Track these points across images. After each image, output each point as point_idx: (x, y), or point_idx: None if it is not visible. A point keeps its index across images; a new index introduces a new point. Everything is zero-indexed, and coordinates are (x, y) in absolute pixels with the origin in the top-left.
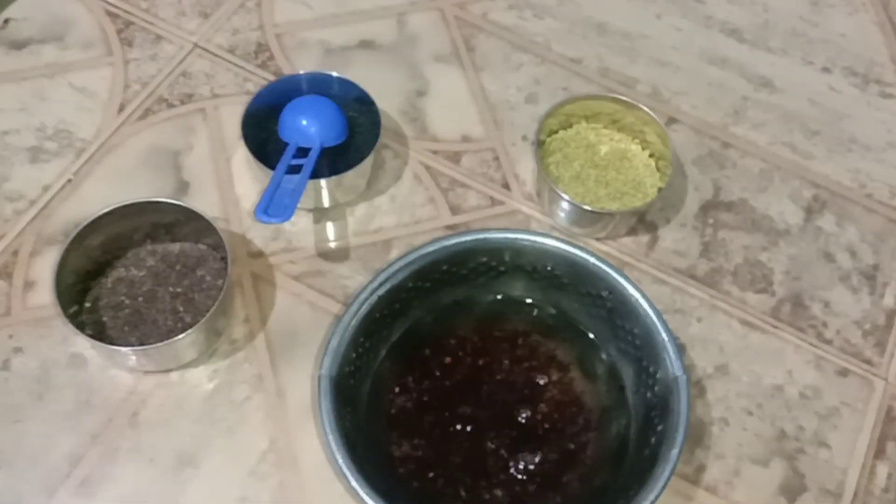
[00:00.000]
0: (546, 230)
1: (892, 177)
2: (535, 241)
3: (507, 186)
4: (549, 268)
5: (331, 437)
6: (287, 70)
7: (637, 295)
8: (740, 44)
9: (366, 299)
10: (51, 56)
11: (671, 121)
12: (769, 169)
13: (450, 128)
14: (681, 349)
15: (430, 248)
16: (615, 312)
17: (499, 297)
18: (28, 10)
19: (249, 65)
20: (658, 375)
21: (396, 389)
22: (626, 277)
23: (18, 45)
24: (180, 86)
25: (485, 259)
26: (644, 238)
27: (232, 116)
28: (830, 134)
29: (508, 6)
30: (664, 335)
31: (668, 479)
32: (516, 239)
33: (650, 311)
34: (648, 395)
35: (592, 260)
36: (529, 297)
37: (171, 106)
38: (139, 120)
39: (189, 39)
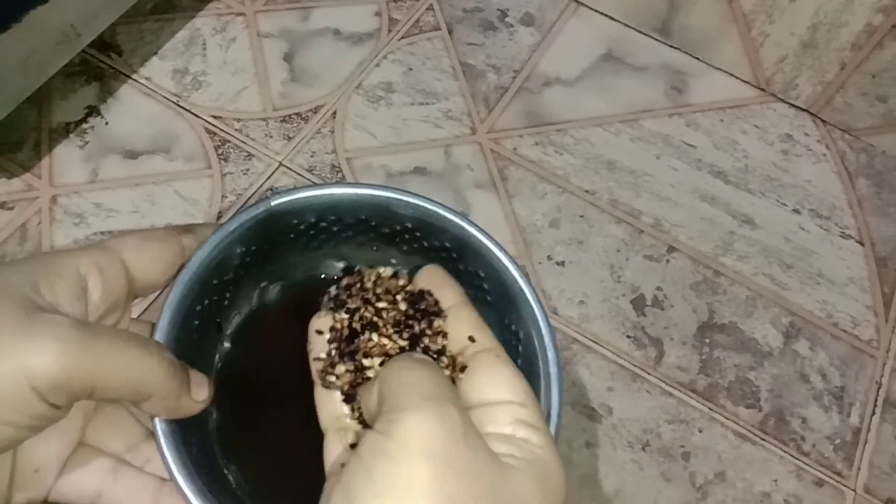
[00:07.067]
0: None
1: (853, 308)
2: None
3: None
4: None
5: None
6: None
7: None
8: (726, 184)
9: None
10: (160, 166)
11: (671, 249)
12: (753, 297)
13: None
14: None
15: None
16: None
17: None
18: (142, 125)
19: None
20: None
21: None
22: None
23: (133, 155)
24: None
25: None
26: (652, 353)
27: None
28: (802, 268)
29: (534, 143)
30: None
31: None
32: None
33: (502, 257)
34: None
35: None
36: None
37: None
38: None
39: (275, 158)
